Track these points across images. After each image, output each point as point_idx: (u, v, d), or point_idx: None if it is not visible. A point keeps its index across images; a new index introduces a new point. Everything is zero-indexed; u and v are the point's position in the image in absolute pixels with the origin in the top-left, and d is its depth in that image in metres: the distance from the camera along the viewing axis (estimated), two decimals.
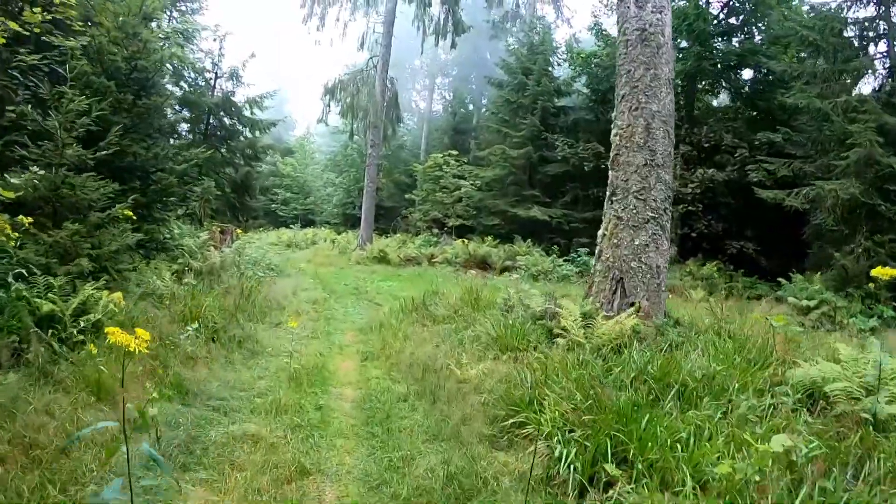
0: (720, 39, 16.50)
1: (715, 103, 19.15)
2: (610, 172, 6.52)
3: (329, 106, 20.12)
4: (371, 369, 5.18)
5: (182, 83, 13.01)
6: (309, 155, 37.01)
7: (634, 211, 6.17)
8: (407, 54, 34.53)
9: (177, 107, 12.44)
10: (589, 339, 5.08)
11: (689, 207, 15.01)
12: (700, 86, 17.21)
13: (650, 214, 6.19)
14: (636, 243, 6.13)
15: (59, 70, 5.84)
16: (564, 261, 14.82)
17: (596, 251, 6.51)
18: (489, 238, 17.53)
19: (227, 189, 13.59)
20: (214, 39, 13.28)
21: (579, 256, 14.84)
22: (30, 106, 5.46)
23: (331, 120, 21.60)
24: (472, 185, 20.23)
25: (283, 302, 7.90)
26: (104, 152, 5.61)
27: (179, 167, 7.02)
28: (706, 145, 15.62)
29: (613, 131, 6.54)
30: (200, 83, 13.31)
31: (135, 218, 6.06)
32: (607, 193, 6.49)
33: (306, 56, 79.51)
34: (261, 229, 27.06)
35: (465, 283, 9.77)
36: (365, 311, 8.30)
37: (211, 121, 13.41)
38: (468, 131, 29.67)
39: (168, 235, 7.42)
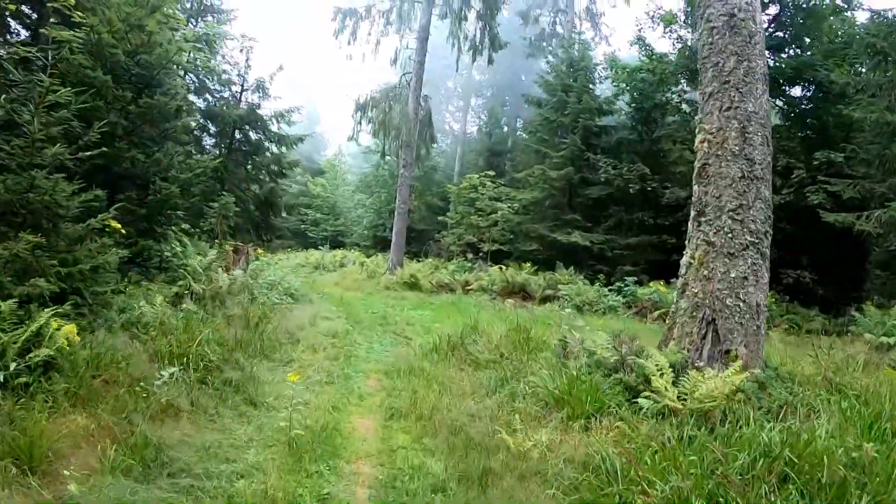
0: (770, 54, 15.21)
1: None
2: (695, 187, 5.29)
3: (360, 123, 19.39)
4: (397, 433, 3.97)
5: (207, 95, 12.40)
6: (340, 175, 36.46)
7: (730, 235, 4.92)
8: (440, 76, 34.03)
9: (201, 119, 11.77)
10: (684, 401, 3.82)
11: None
12: None
13: (749, 239, 4.93)
14: (732, 275, 4.86)
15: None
16: (610, 290, 13.43)
17: (678, 284, 5.25)
18: (527, 264, 16.24)
19: (250, 206, 12.80)
20: (241, 50, 12.68)
21: (627, 286, 13.45)
22: (2, 97, 4.61)
23: (362, 139, 20.88)
24: (508, 207, 19.03)
25: (299, 334, 6.81)
26: (87, 153, 4.69)
27: (183, 176, 6.10)
28: None
29: (699, 136, 5.34)
30: (226, 95, 12.65)
31: (124, 231, 5.12)
32: (692, 213, 5.26)
33: (322, 62, 78.87)
34: (289, 250, 26.48)
35: (506, 315, 8.51)
36: (392, 346, 7.14)
37: (236, 135, 12.70)
38: (503, 153, 28.59)
39: (170, 253, 6.49)
